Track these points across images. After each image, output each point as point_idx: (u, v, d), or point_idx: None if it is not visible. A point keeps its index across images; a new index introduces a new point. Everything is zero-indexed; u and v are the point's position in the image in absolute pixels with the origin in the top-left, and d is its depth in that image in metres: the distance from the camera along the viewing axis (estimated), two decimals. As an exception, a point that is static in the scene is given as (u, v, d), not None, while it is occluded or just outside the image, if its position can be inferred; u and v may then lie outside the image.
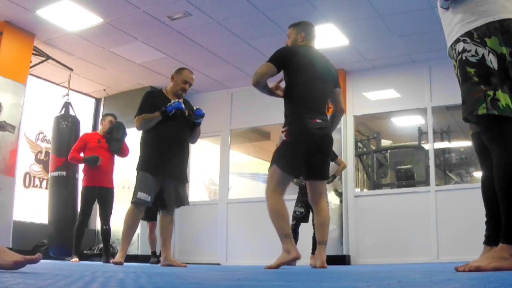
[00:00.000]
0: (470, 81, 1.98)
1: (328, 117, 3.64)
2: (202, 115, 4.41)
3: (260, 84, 3.45)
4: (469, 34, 2.01)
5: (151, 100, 4.31)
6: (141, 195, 4.16)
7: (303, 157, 3.41)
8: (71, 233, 5.67)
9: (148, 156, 4.27)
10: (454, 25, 2.09)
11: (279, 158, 3.42)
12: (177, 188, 4.35)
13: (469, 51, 1.99)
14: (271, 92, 3.57)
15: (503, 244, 1.89)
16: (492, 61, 1.94)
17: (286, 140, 3.40)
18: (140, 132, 4.46)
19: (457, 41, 2.06)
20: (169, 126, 4.24)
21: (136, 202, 4.19)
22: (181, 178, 4.40)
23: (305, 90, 3.46)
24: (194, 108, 4.41)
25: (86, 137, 5.97)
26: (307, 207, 5.58)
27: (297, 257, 3.23)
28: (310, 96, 3.46)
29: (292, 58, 3.50)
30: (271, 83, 3.56)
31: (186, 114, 4.34)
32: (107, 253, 5.73)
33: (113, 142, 5.87)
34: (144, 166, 4.26)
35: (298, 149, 3.38)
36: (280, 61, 3.47)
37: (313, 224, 5.49)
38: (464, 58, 2.01)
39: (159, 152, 4.23)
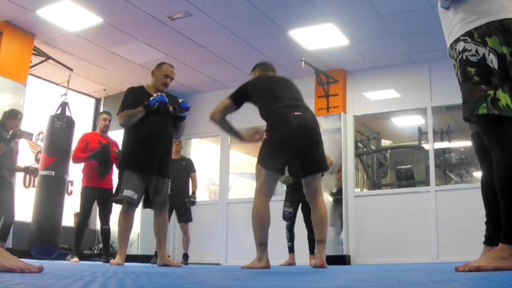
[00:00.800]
0: (471, 80, 1.98)
1: None
2: (188, 108, 4.28)
3: (215, 117, 3.61)
4: (469, 33, 2.01)
5: (133, 97, 4.19)
6: (128, 192, 4.02)
7: (290, 154, 3.43)
8: (56, 234, 5.59)
9: (132, 153, 4.12)
10: (454, 24, 2.09)
11: (262, 157, 3.43)
12: (162, 185, 4.25)
13: (470, 50, 1.99)
14: (230, 128, 3.74)
15: (503, 244, 1.88)
16: (492, 60, 1.94)
17: (267, 139, 3.41)
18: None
19: (457, 40, 2.06)
20: (153, 121, 4.11)
21: (123, 200, 4.05)
22: (166, 175, 4.27)
23: (275, 92, 3.54)
24: (180, 101, 4.27)
25: (86, 137, 5.95)
26: (295, 206, 5.70)
27: (266, 267, 3.26)
28: (281, 95, 3.51)
29: (248, 86, 3.69)
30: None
31: (170, 109, 4.22)
32: (107, 253, 5.73)
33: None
34: (129, 164, 4.11)
35: (280, 146, 3.37)
36: (238, 93, 3.65)
37: (306, 224, 5.53)
38: (464, 57, 2.01)
39: (144, 149, 4.10)
